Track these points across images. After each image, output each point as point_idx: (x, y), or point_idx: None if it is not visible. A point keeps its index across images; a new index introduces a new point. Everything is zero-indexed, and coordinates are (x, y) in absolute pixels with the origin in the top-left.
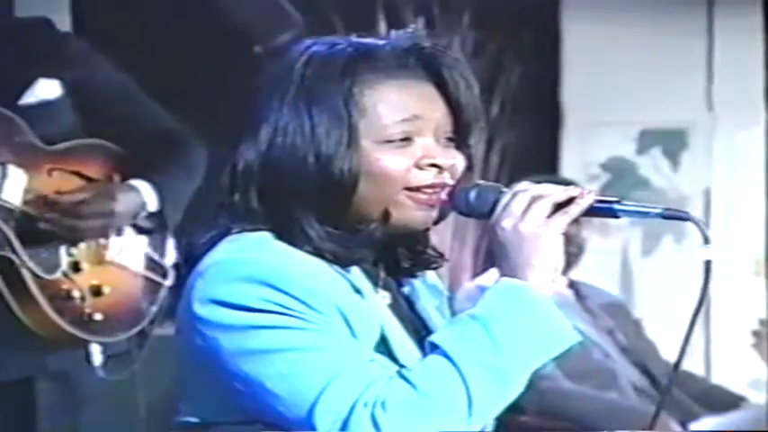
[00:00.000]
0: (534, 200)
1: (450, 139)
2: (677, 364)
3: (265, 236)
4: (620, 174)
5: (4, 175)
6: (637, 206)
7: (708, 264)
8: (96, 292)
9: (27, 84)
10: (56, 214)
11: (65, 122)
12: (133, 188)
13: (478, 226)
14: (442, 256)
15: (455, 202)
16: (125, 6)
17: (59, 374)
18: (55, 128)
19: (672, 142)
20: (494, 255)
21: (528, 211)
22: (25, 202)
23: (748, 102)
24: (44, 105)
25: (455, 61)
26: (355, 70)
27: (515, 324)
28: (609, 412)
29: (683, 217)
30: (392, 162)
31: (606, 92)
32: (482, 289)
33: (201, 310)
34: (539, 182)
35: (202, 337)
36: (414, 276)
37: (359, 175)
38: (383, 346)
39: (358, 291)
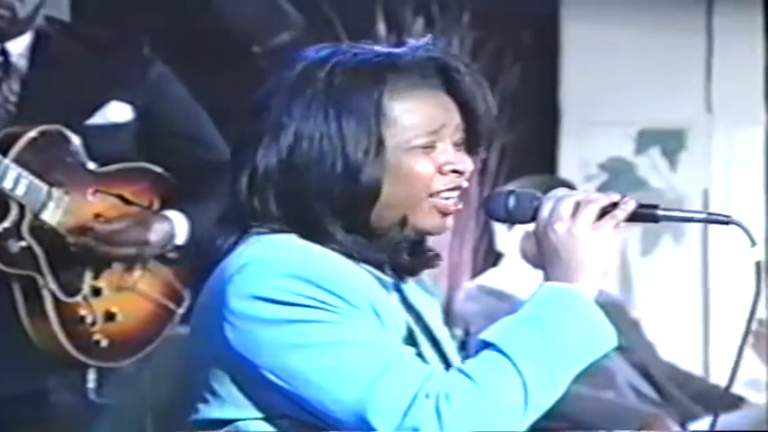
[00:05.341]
0: (581, 204)
1: (459, 144)
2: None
3: (292, 236)
4: (618, 174)
5: (49, 196)
6: (679, 211)
7: (758, 265)
8: (110, 317)
9: (100, 104)
10: (91, 240)
11: (124, 146)
12: (167, 219)
13: (478, 226)
14: (438, 255)
15: (491, 209)
16: (124, 6)
17: (71, 389)
18: (112, 150)
19: (670, 142)
20: (543, 257)
21: (578, 214)
22: (61, 224)
23: (748, 102)
24: (110, 128)
25: (469, 70)
26: (384, 80)
27: (564, 326)
28: (606, 412)
29: (725, 221)
30: (420, 167)
31: (605, 92)
32: (482, 289)
33: (241, 305)
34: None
35: (239, 332)
36: (414, 275)
37: (383, 183)
38: (410, 342)
39: (385, 287)
